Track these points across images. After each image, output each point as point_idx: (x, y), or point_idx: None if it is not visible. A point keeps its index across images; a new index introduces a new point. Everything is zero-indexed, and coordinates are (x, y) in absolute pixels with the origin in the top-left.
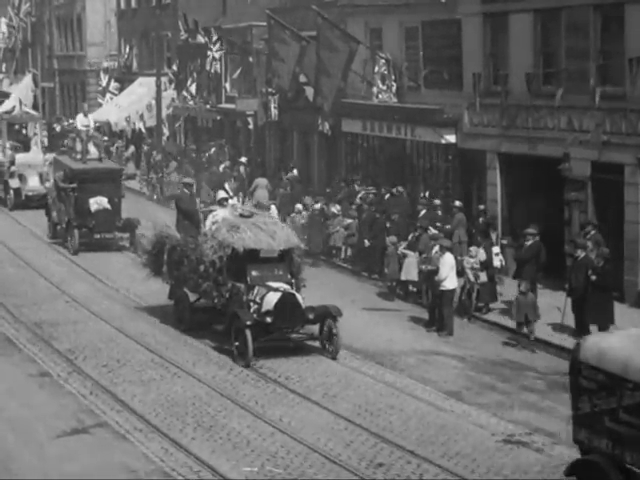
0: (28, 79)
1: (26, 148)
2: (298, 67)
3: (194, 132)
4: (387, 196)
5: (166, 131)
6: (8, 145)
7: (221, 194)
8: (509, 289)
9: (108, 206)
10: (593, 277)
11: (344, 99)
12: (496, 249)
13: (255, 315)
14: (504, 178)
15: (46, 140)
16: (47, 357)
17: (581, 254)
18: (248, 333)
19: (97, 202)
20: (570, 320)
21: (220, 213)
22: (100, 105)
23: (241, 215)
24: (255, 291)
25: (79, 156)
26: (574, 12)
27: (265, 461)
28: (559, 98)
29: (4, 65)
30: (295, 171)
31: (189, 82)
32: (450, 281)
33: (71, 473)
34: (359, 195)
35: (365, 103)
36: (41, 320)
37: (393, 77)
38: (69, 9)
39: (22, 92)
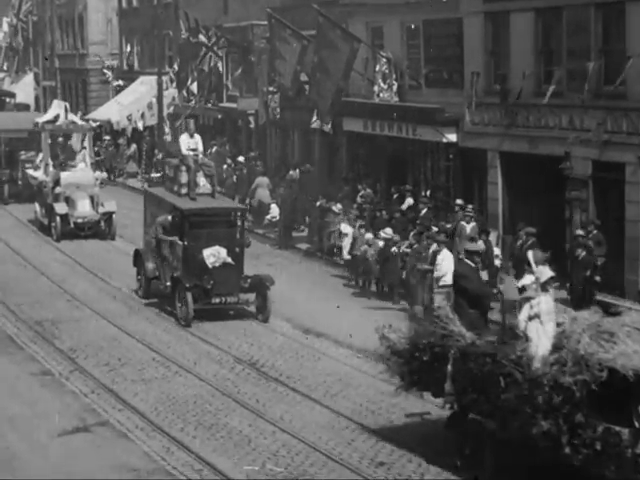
0: (29, 78)
1: (60, 163)
2: (299, 66)
3: (195, 131)
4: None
5: (168, 130)
6: (50, 162)
7: (546, 272)
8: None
9: (229, 259)
10: (597, 278)
11: (346, 98)
12: (497, 250)
13: None
14: (505, 177)
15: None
16: (49, 356)
17: (582, 253)
18: None
19: (214, 254)
20: None
21: (543, 302)
22: (116, 90)
23: (608, 312)
24: None
25: (184, 190)
26: (575, 11)
27: (266, 460)
28: (549, 96)
29: (5, 64)
30: (297, 170)
31: (190, 81)
32: (449, 276)
33: (73, 472)
34: (360, 194)
35: (366, 102)
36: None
37: (394, 76)
38: (70, 8)
39: (24, 91)
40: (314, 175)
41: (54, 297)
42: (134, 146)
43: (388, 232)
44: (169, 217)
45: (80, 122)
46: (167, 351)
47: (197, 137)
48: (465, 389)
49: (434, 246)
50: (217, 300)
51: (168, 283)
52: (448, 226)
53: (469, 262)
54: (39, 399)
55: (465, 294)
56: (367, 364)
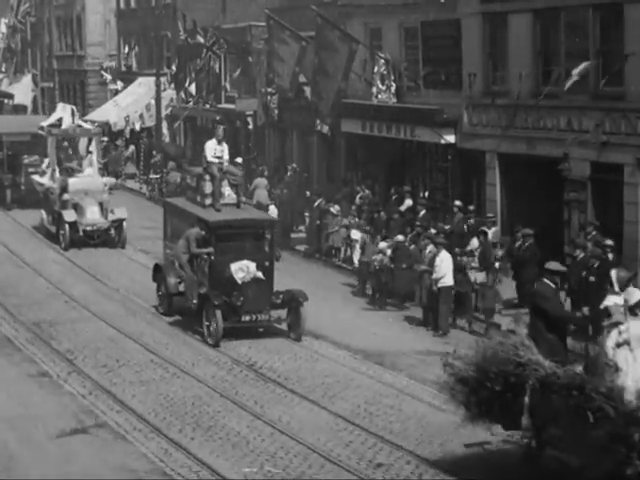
0: (27, 79)
1: (67, 169)
2: (298, 67)
3: (193, 132)
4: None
5: (166, 131)
6: (57, 167)
7: (636, 294)
8: (507, 289)
9: (259, 274)
10: (591, 278)
11: (344, 99)
12: (496, 251)
13: None
14: (503, 178)
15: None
16: (47, 357)
17: (580, 254)
18: None
19: (242, 269)
20: None
21: (633, 327)
22: (113, 93)
23: None
24: None
25: (208, 201)
26: (573, 12)
27: (264, 461)
28: (544, 94)
29: (4, 65)
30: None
31: (188, 82)
32: (449, 277)
33: (70, 473)
34: (358, 195)
35: (364, 103)
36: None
37: (392, 77)
38: (69, 9)
39: (22, 92)
40: (300, 175)
41: (52, 298)
42: (132, 147)
43: (401, 239)
44: (200, 230)
45: (87, 126)
46: (165, 352)
47: (225, 145)
48: (545, 423)
49: (430, 247)
50: (247, 318)
51: (195, 300)
52: (447, 227)
53: (549, 282)
54: (37, 400)
55: (544, 316)
56: (365, 365)
